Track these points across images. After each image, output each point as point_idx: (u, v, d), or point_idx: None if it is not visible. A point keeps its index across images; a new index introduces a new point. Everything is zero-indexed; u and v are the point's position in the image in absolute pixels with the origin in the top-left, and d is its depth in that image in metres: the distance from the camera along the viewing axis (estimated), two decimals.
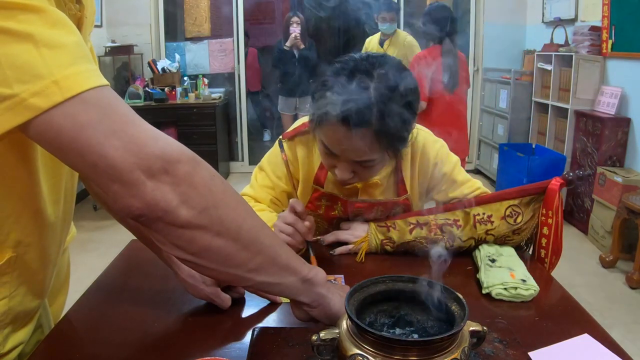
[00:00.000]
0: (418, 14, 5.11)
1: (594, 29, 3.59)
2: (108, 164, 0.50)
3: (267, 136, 6.27)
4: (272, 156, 1.18)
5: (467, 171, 1.25)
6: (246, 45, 5.49)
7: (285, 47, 4.46)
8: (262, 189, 1.17)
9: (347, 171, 0.99)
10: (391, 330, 0.65)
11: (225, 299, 0.87)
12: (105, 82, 0.53)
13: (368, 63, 0.92)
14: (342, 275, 1.01)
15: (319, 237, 1.15)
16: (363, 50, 3.64)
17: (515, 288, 0.91)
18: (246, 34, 5.50)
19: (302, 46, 4.42)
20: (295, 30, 4.39)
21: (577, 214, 3.61)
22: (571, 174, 1.08)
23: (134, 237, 0.93)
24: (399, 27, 4.35)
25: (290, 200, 0.98)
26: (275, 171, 1.17)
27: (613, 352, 0.74)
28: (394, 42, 3.69)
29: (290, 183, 1.11)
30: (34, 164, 0.65)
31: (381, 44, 3.72)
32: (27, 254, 0.69)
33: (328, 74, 0.94)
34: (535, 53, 4.22)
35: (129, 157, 0.51)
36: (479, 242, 1.10)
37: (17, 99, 0.47)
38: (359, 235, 1.12)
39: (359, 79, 0.90)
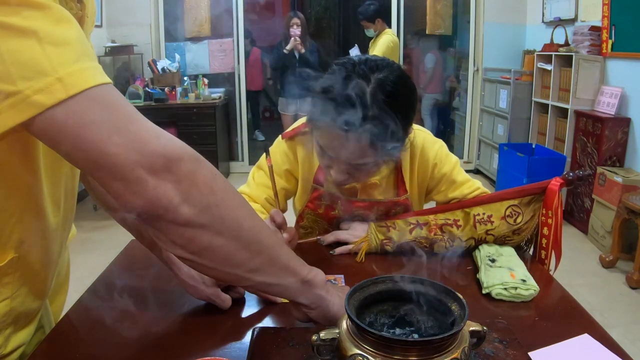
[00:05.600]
0: (419, 15, 5.13)
1: (594, 29, 3.58)
2: (110, 162, 0.50)
3: (260, 137, 6.27)
4: (271, 155, 1.18)
5: (467, 171, 1.26)
6: (251, 44, 5.51)
7: (285, 51, 4.41)
8: (258, 187, 1.17)
9: (341, 173, 0.99)
10: (391, 330, 0.65)
11: (226, 299, 0.87)
12: (108, 79, 0.53)
13: (366, 67, 0.91)
14: (342, 275, 1.01)
15: (318, 237, 1.15)
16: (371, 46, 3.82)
17: (515, 288, 0.91)
18: (250, 35, 5.52)
19: (303, 50, 4.38)
20: (295, 32, 4.37)
21: (577, 214, 3.61)
22: (571, 174, 1.08)
23: (134, 237, 0.93)
24: (390, 26, 4.45)
25: (271, 212, 0.96)
26: (274, 169, 1.16)
27: (613, 352, 0.74)
28: (374, 44, 3.93)
29: (290, 178, 1.09)
30: (36, 163, 0.65)
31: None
32: (29, 254, 0.69)
33: (325, 76, 0.94)
34: (535, 53, 4.22)
35: (131, 155, 0.51)
36: (479, 242, 1.10)
37: (20, 96, 0.48)
38: (359, 235, 1.12)
39: (355, 83, 0.88)
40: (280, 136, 1.18)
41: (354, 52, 4.37)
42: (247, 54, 5.58)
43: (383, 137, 0.90)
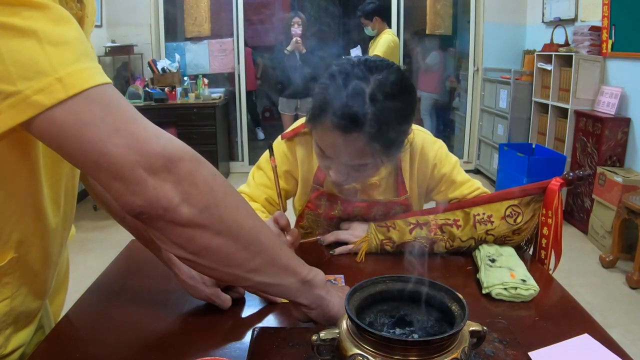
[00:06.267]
0: (418, 14, 5.13)
1: (594, 29, 3.58)
2: (110, 162, 0.50)
3: (261, 135, 6.28)
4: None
5: (467, 171, 1.26)
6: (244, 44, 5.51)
7: (286, 51, 4.41)
8: (258, 188, 1.18)
9: (341, 173, 0.99)
10: (391, 330, 0.65)
11: (226, 300, 0.87)
12: (107, 80, 0.53)
13: (365, 67, 0.90)
14: (342, 275, 1.01)
15: (318, 237, 1.15)
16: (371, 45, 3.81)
17: (515, 288, 0.91)
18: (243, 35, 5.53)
19: (304, 50, 4.39)
20: (296, 31, 4.38)
21: (577, 214, 3.61)
22: (571, 174, 1.08)
23: (134, 237, 0.93)
24: (390, 26, 4.46)
25: (275, 214, 0.96)
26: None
27: (613, 352, 0.74)
28: (374, 43, 3.93)
29: (289, 179, 1.09)
30: (36, 163, 0.65)
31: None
32: (29, 254, 0.69)
33: (325, 77, 0.94)
34: (535, 53, 4.22)
35: (131, 155, 0.51)
36: (479, 242, 1.10)
37: (20, 96, 0.48)
38: (359, 235, 1.12)
39: (354, 84, 0.88)
40: (280, 137, 1.18)
41: (355, 52, 4.37)
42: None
43: (382, 138, 0.90)
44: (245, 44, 5.62)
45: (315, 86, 0.95)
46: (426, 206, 1.24)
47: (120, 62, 4.78)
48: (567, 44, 3.90)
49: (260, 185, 1.18)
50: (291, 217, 1.28)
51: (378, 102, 0.87)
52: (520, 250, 1.12)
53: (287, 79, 4.69)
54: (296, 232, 0.97)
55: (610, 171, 3.13)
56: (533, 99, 4.27)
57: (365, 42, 4.35)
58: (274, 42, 4.65)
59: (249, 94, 6.02)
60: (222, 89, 5.00)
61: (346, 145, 0.91)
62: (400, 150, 0.99)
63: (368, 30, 3.97)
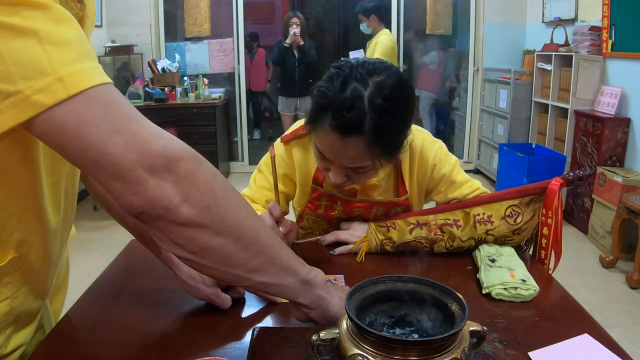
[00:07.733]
0: (419, 15, 5.13)
1: (594, 29, 3.59)
2: (110, 162, 0.50)
3: (257, 135, 6.30)
4: (270, 159, 1.18)
5: (467, 171, 1.25)
6: (257, 45, 5.55)
7: (285, 44, 4.48)
8: (259, 190, 1.18)
9: (340, 175, 0.99)
10: (391, 330, 0.65)
11: (226, 299, 0.87)
12: (108, 79, 0.53)
13: (364, 70, 0.90)
14: (342, 275, 1.01)
15: (318, 237, 1.15)
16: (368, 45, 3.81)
17: (515, 288, 0.91)
18: (255, 34, 5.58)
19: (302, 42, 4.45)
20: (295, 30, 4.43)
21: (577, 214, 3.61)
22: (571, 174, 1.08)
23: (134, 237, 0.93)
24: (390, 26, 4.47)
25: (269, 205, 0.97)
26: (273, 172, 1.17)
27: (613, 352, 0.74)
28: (372, 44, 3.94)
29: (287, 182, 1.10)
30: (36, 163, 0.65)
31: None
32: (29, 254, 0.69)
33: (324, 79, 0.94)
34: (535, 53, 4.22)
35: (131, 155, 0.51)
36: (479, 242, 1.10)
37: (21, 96, 0.48)
38: (358, 235, 1.12)
39: (353, 87, 0.88)
40: (279, 139, 1.18)
41: (354, 55, 4.39)
42: (253, 55, 5.61)
43: (381, 141, 0.90)
44: (259, 45, 5.67)
45: (314, 88, 0.95)
46: (426, 206, 1.24)
47: (120, 62, 4.78)
48: (567, 44, 3.90)
49: (260, 188, 1.18)
50: (292, 218, 1.28)
51: (377, 104, 0.87)
52: (520, 250, 1.12)
53: (286, 77, 4.71)
54: (289, 223, 0.97)
55: (610, 171, 3.13)
56: (533, 99, 4.27)
57: (362, 44, 4.36)
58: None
59: (256, 94, 6.05)
60: (222, 89, 5.00)
61: (345, 148, 0.91)
62: (399, 152, 0.99)
63: (363, 27, 3.98)
